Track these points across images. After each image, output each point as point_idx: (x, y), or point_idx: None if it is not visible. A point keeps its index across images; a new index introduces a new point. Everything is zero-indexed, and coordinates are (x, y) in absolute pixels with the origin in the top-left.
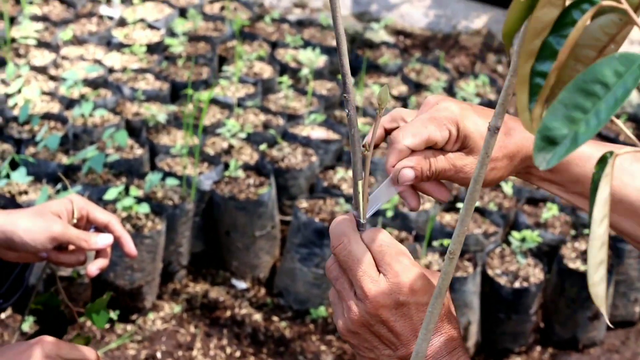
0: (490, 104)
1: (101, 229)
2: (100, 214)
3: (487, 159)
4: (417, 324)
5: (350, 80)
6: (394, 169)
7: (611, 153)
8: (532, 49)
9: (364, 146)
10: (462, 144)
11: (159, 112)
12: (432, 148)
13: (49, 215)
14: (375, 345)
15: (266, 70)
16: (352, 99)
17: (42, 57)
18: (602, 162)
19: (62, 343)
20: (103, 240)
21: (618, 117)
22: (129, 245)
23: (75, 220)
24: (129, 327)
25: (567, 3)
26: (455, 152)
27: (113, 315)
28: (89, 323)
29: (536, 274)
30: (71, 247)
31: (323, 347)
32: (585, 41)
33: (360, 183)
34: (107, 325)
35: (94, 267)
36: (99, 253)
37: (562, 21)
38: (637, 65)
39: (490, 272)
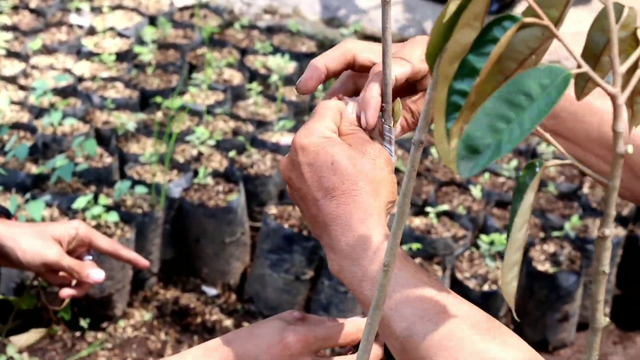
0: None
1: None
2: (103, 242)
3: (414, 173)
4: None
5: (390, 90)
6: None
7: (540, 162)
8: (450, 72)
9: None
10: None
11: (128, 121)
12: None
13: (49, 240)
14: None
15: (236, 77)
16: (389, 109)
17: (11, 67)
18: (530, 169)
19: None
20: (95, 277)
21: None
22: (141, 262)
23: (72, 246)
24: (100, 335)
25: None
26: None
27: (83, 323)
28: (60, 332)
29: None
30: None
31: None
32: (506, 54)
33: None
34: (78, 334)
35: (67, 292)
36: (80, 281)
37: (482, 39)
38: (562, 79)
39: (459, 275)
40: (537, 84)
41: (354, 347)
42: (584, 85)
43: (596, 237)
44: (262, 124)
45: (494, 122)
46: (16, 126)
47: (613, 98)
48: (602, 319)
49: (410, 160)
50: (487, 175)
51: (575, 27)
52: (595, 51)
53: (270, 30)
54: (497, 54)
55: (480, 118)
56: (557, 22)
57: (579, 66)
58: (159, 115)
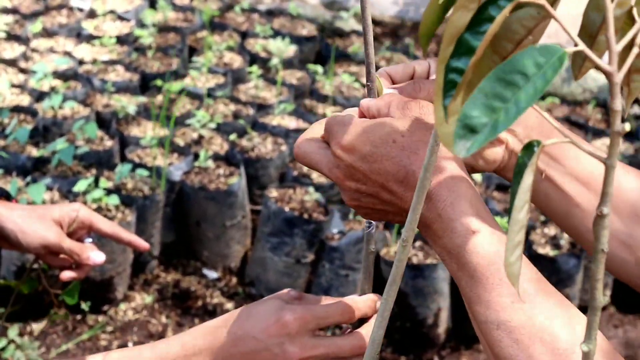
0: None
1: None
2: (104, 225)
3: (437, 147)
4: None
5: (374, 69)
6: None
7: (538, 142)
8: (448, 54)
9: None
10: None
11: (128, 104)
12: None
13: (49, 222)
14: (370, 193)
15: (236, 60)
16: (374, 88)
17: (11, 50)
18: (529, 149)
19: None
20: (95, 259)
21: (588, 102)
22: (141, 244)
23: (73, 228)
24: (101, 318)
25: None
26: None
27: (84, 306)
28: (61, 313)
29: None
30: (62, 255)
31: None
32: (502, 34)
33: None
34: (79, 317)
35: (67, 275)
36: (81, 264)
37: (478, 17)
38: (557, 57)
39: None
40: (532, 63)
41: (351, 326)
42: (581, 64)
43: (595, 215)
44: (262, 107)
45: (490, 101)
46: (17, 109)
47: (609, 76)
48: (602, 297)
49: (433, 135)
50: None
51: (575, 9)
52: (591, 30)
53: (270, 14)
54: (492, 32)
55: (477, 97)
56: (554, 2)
57: (575, 45)
58: (159, 98)
